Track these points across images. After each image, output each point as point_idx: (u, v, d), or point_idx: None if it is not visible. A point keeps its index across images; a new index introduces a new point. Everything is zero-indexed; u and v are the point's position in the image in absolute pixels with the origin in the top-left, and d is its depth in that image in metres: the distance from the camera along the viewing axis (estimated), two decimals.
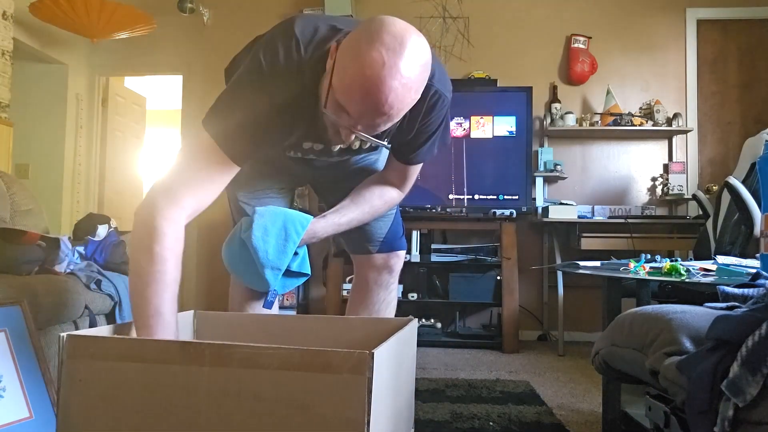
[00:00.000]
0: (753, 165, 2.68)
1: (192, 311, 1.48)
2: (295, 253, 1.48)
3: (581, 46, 4.07)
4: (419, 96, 1.16)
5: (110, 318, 2.44)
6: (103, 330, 1.18)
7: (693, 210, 3.86)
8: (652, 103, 3.94)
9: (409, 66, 1.08)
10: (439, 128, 1.39)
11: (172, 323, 1.13)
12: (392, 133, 1.27)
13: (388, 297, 1.75)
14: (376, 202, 1.52)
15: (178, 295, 1.17)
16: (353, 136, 1.17)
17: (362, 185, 1.53)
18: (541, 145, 4.08)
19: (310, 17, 1.27)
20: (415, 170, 1.52)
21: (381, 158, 1.60)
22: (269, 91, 1.21)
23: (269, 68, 1.20)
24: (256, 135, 1.24)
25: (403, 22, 1.14)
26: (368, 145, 1.43)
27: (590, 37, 4.09)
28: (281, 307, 3.84)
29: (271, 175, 1.61)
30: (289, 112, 1.24)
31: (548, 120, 4.02)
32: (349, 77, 1.09)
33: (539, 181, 3.90)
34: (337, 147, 1.39)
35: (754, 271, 1.48)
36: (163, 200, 1.17)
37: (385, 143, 1.22)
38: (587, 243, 3.58)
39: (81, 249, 2.57)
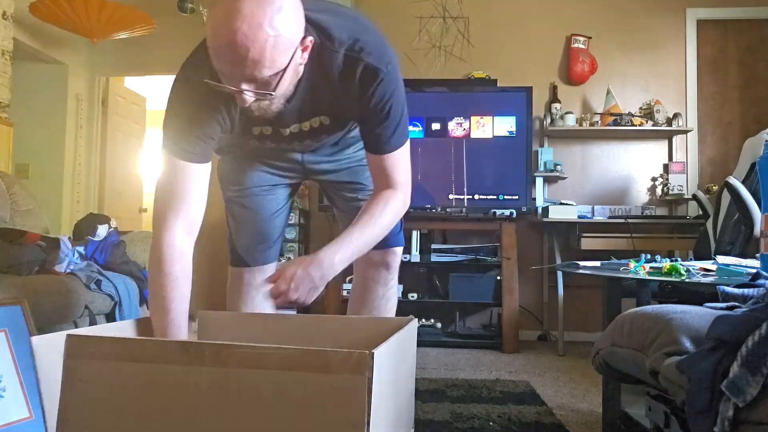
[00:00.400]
0: (753, 165, 2.68)
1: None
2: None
3: (581, 46, 4.08)
4: (285, 32, 1.10)
5: (110, 318, 2.45)
6: (103, 329, 1.18)
7: (693, 210, 3.86)
8: (652, 103, 3.94)
9: (250, 3, 1.06)
10: (389, 105, 1.33)
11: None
12: (285, 87, 1.20)
13: (387, 293, 1.76)
14: (377, 211, 1.41)
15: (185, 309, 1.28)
16: (248, 97, 1.15)
17: (365, 205, 1.44)
18: (541, 145, 4.08)
19: None
20: (396, 162, 1.41)
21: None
22: (191, 82, 1.26)
23: (191, 60, 1.28)
24: (192, 127, 1.28)
25: None
26: (318, 124, 1.41)
27: (590, 37, 4.09)
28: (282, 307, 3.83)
29: (257, 171, 1.61)
30: (211, 98, 1.25)
31: (548, 120, 4.02)
32: (209, 39, 1.11)
33: (539, 181, 3.90)
34: (288, 130, 1.40)
35: (754, 271, 1.48)
36: (156, 228, 1.29)
37: (273, 93, 1.17)
38: (587, 243, 3.58)
39: (81, 249, 2.57)
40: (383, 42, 1.32)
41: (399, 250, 1.75)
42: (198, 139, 1.30)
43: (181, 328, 1.26)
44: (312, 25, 1.21)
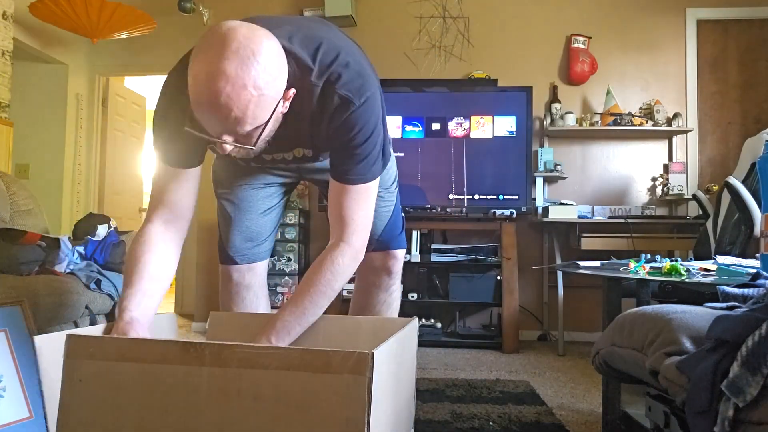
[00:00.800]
0: (753, 165, 2.68)
1: (173, 314, 1.50)
2: None
3: (581, 46, 4.07)
4: (269, 90, 1.10)
5: (110, 318, 2.44)
6: (98, 328, 1.18)
7: (693, 210, 3.86)
8: (652, 103, 3.94)
9: (234, 64, 1.05)
10: (358, 137, 1.30)
11: (136, 320, 1.19)
12: (265, 137, 1.19)
13: (388, 299, 1.74)
14: (321, 282, 1.32)
15: (154, 293, 1.26)
16: (228, 147, 1.15)
17: (309, 271, 1.37)
18: (541, 145, 4.08)
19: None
20: (356, 199, 1.34)
21: None
22: (178, 93, 1.25)
23: (179, 70, 1.28)
24: (177, 137, 1.27)
25: (234, 22, 1.11)
26: (301, 154, 1.44)
27: (590, 37, 4.09)
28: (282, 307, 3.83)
29: (251, 173, 1.62)
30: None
31: (548, 120, 4.02)
32: (190, 93, 1.10)
33: (539, 181, 3.90)
34: (270, 156, 1.42)
35: (754, 271, 1.48)
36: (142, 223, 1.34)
37: (253, 147, 1.18)
38: (587, 243, 3.58)
39: (81, 249, 2.57)
40: (365, 73, 1.30)
41: (400, 253, 1.71)
42: (181, 150, 1.30)
43: (140, 304, 1.22)
44: (293, 59, 1.20)
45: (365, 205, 1.36)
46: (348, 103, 1.26)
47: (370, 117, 1.30)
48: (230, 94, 1.05)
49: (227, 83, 1.04)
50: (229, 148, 1.15)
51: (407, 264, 3.58)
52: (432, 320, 3.80)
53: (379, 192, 1.57)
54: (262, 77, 1.08)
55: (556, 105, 4.01)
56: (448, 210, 3.74)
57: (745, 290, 1.24)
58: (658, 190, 4.04)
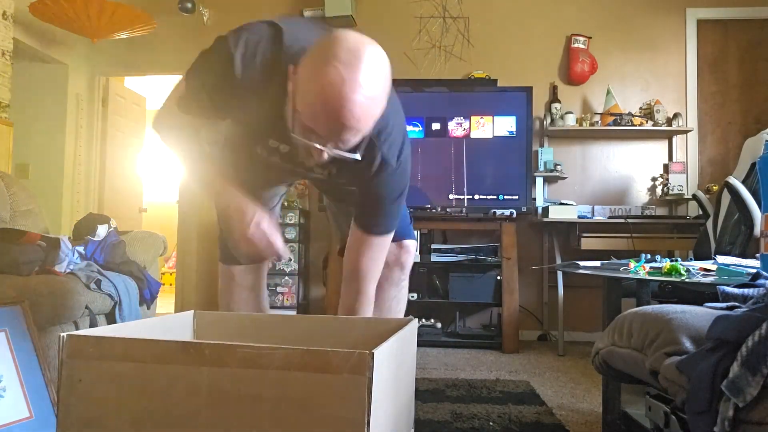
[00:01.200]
0: (753, 165, 2.68)
1: (192, 311, 1.48)
2: None
3: (581, 46, 4.07)
4: (385, 103, 1.17)
5: (110, 318, 2.44)
6: (104, 330, 1.18)
7: (693, 210, 3.86)
8: (652, 103, 3.94)
9: (369, 78, 1.08)
10: (385, 191, 1.41)
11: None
12: (363, 147, 1.24)
13: (398, 294, 1.75)
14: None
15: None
16: (325, 154, 1.16)
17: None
18: (541, 145, 4.08)
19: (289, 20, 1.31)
20: (371, 247, 1.49)
21: None
22: (235, 74, 1.22)
23: (239, 59, 1.22)
24: (215, 99, 1.26)
25: (357, 34, 1.14)
26: (327, 171, 1.46)
27: (590, 37, 4.09)
28: (282, 307, 3.84)
29: (257, 172, 1.61)
30: (252, 102, 1.25)
31: (548, 120, 4.02)
32: (311, 99, 1.10)
33: (539, 181, 3.90)
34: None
35: (754, 271, 1.48)
36: None
37: (358, 156, 1.20)
38: (587, 243, 3.58)
39: (81, 249, 2.57)
40: (403, 128, 1.39)
41: (411, 245, 1.74)
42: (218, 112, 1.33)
43: None
44: None
45: (381, 256, 1.51)
46: (386, 163, 1.36)
47: (401, 176, 1.41)
48: (363, 107, 1.08)
49: (363, 96, 1.07)
50: (326, 156, 1.16)
51: None
52: (432, 320, 3.79)
53: None
54: (386, 92, 1.15)
55: (556, 105, 4.01)
56: (448, 210, 3.74)
57: (745, 290, 1.24)
58: (658, 190, 4.04)
